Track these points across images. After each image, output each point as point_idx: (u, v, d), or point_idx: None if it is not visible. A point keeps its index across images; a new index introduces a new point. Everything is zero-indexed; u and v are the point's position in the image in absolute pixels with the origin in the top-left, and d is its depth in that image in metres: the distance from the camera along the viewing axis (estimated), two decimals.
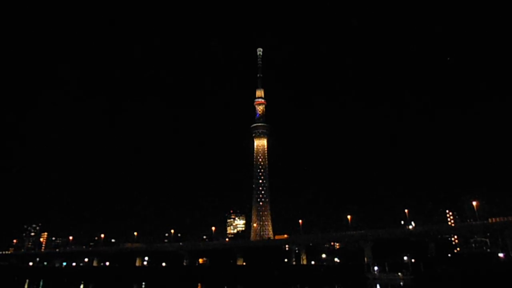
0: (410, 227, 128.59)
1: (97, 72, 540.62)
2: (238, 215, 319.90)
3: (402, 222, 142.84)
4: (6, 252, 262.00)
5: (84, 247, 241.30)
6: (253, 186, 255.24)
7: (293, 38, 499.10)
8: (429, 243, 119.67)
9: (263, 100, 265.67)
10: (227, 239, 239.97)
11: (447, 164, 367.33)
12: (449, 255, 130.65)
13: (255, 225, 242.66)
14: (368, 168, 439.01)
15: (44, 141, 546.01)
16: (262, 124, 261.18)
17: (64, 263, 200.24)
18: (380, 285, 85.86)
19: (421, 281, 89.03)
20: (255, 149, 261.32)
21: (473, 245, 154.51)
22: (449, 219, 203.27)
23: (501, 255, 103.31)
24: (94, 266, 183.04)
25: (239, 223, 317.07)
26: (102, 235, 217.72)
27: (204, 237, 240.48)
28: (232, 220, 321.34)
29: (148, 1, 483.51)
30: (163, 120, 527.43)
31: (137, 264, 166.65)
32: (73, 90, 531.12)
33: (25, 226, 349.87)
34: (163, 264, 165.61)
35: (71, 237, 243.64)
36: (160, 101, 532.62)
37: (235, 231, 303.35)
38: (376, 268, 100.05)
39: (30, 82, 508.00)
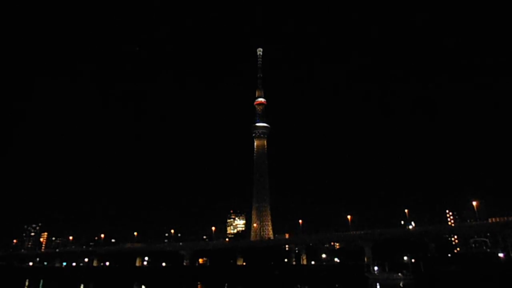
0: (410, 227, 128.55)
1: (97, 74, 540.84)
2: (238, 215, 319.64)
3: (402, 222, 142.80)
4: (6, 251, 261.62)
5: (84, 247, 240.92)
6: (253, 186, 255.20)
7: (293, 38, 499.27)
8: (429, 243, 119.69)
9: (263, 100, 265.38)
10: (227, 239, 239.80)
11: (447, 164, 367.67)
12: (449, 255, 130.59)
13: (255, 225, 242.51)
14: (368, 168, 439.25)
15: (44, 141, 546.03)
16: (262, 124, 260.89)
17: (64, 263, 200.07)
18: (380, 285, 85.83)
19: (421, 281, 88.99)
20: (255, 149, 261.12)
21: (473, 245, 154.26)
22: (449, 219, 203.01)
23: (501, 255, 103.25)
24: (94, 266, 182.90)
25: (239, 223, 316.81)
26: (102, 235, 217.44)
27: (204, 237, 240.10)
28: (232, 220, 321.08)
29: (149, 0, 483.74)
30: (163, 121, 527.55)
31: (137, 264, 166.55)
32: (73, 89, 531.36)
33: (25, 226, 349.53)
34: (163, 264, 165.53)
35: (71, 237, 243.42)
36: (160, 101, 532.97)
37: (235, 231, 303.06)
38: (376, 268, 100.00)
39: (30, 82, 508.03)
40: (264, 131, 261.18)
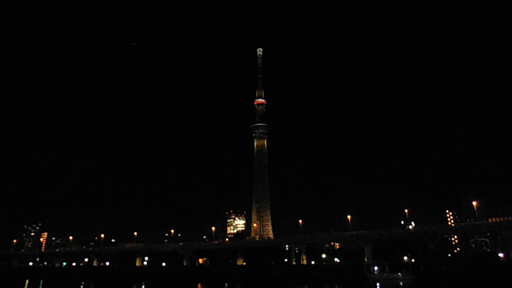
0: (410, 227, 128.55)
1: (98, 71, 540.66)
2: (238, 215, 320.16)
3: (402, 222, 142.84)
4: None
5: (84, 247, 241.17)
6: (253, 186, 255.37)
7: (293, 38, 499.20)
8: (429, 243, 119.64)
9: (263, 100, 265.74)
10: (227, 239, 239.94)
11: (447, 164, 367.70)
12: (449, 255, 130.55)
13: (255, 225, 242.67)
14: (368, 168, 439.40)
15: (44, 141, 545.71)
16: (262, 124, 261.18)
17: (64, 263, 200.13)
18: (380, 285, 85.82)
19: (421, 281, 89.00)
20: (255, 149, 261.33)
21: (473, 245, 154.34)
22: (449, 219, 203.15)
23: (501, 255, 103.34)
24: (94, 266, 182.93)
25: (239, 223, 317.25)
26: (102, 235, 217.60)
27: (204, 237, 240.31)
28: (232, 220, 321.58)
29: (150, 1, 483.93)
30: (163, 120, 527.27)
31: (137, 264, 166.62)
32: (74, 89, 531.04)
33: (25, 226, 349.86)
34: (163, 264, 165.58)
35: (71, 237, 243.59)
36: (160, 100, 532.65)
37: (235, 231, 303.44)
38: (376, 268, 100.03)
39: (29, 82, 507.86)
40: (264, 131, 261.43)
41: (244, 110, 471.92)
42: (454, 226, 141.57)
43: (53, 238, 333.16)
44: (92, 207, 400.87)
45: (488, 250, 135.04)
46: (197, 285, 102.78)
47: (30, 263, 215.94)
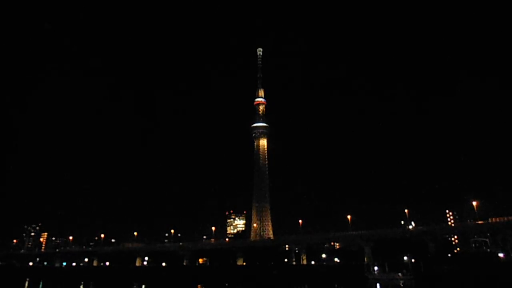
0: (410, 227, 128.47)
1: (98, 72, 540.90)
2: (238, 215, 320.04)
3: (402, 222, 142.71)
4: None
5: (84, 247, 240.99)
6: (253, 186, 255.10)
7: (293, 38, 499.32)
8: (429, 243, 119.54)
9: (263, 100, 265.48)
10: (227, 239, 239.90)
11: (447, 164, 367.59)
12: (449, 255, 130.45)
13: (255, 225, 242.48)
14: (368, 168, 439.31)
15: (44, 141, 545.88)
16: (262, 124, 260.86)
17: (64, 263, 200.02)
18: (380, 285, 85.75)
19: (421, 281, 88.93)
20: (255, 149, 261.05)
21: (473, 245, 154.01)
22: (449, 219, 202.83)
23: (501, 255, 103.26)
24: (94, 266, 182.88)
25: (239, 223, 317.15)
26: (102, 235, 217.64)
27: (204, 237, 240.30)
28: (232, 220, 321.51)
29: (150, 1, 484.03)
30: (163, 121, 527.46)
31: (137, 264, 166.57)
32: (73, 88, 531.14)
33: (25, 226, 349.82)
34: (163, 264, 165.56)
35: (71, 237, 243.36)
36: (160, 101, 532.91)
37: (235, 231, 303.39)
38: (376, 268, 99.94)
39: (30, 80, 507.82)
40: (264, 131, 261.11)
41: (244, 110, 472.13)
42: (454, 226, 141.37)
43: (53, 238, 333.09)
44: (92, 207, 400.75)
45: (488, 250, 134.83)
46: (197, 285, 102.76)
47: (30, 263, 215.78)
